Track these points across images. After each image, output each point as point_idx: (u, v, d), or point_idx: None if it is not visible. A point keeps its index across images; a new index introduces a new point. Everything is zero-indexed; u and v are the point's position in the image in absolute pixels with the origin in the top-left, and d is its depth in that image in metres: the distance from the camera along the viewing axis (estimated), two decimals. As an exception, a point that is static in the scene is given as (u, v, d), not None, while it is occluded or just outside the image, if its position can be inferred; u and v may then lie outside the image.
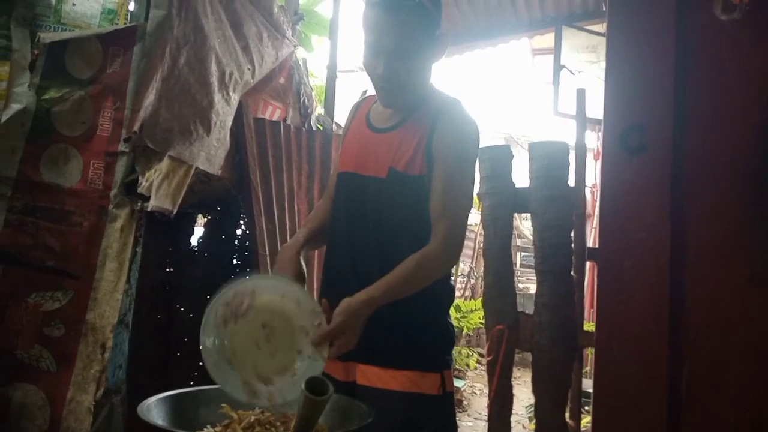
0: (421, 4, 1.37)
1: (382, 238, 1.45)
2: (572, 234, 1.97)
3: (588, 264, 2.46)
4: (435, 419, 1.40)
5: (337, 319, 1.26)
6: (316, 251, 2.82)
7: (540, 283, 1.98)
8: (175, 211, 2.30)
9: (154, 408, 1.19)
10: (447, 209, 1.41)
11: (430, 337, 1.44)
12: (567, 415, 1.94)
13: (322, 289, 1.60)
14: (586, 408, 3.12)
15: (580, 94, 2.16)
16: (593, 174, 5.27)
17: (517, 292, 2.12)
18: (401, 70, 1.40)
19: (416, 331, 1.43)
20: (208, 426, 1.23)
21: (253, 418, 1.23)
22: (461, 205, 1.45)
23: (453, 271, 1.72)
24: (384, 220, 1.45)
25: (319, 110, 3.50)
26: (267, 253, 2.72)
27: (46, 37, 2.14)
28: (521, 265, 10.43)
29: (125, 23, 2.32)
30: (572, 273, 1.96)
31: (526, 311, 2.04)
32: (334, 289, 1.46)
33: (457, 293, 8.66)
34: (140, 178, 2.05)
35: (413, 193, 1.43)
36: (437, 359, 1.45)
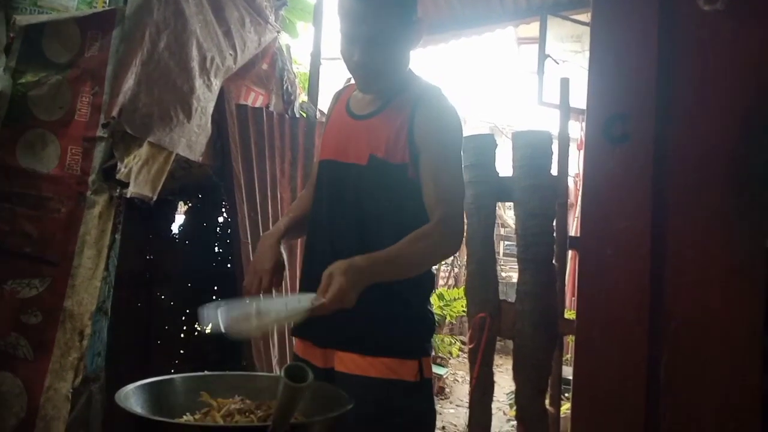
0: None
1: (363, 225, 1.44)
2: (554, 223, 1.97)
3: (570, 253, 2.47)
4: (412, 406, 1.41)
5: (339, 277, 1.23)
6: (299, 240, 2.81)
7: (522, 272, 1.98)
8: (155, 198, 2.27)
9: (132, 395, 1.18)
10: (440, 197, 1.41)
11: (409, 325, 1.44)
12: (547, 401, 1.96)
13: (302, 273, 1.59)
14: (566, 395, 3.15)
15: (564, 84, 2.16)
16: (576, 164, 5.30)
17: (499, 280, 2.12)
18: (377, 56, 1.40)
19: (396, 318, 1.43)
20: (188, 413, 1.23)
21: (232, 406, 1.22)
22: (454, 191, 1.45)
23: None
24: (365, 207, 1.45)
25: (302, 97, 3.47)
26: (249, 240, 2.70)
27: (23, 19, 2.09)
28: (504, 254, 10.48)
29: (104, 6, 2.28)
30: (554, 262, 1.96)
31: (508, 299, 2.04)
32: (312, 271, 1.45)
33: (441, 282, 8.69)
34: (119, 164, 2.02)
35: (395, 181, 1.43)
36: (416, 346, 1.45)
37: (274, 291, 1.51)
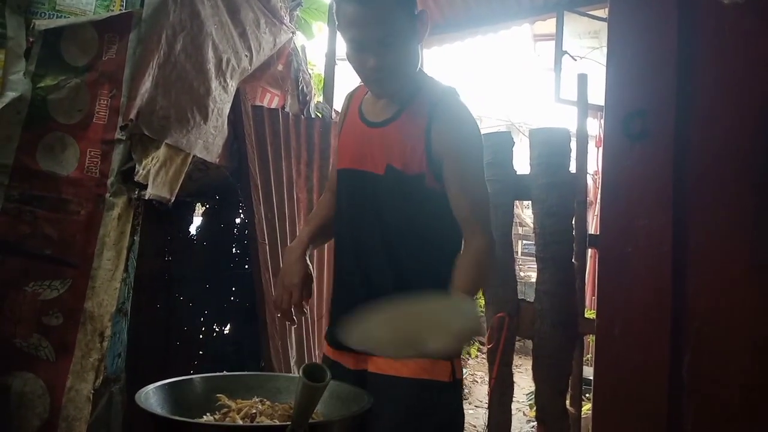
0: None
1: (386, 236, 1.44)
2: (573, 221, 1.95)
3: (589, 251, 2.44)
4: (446, 406, 1.40)
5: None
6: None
7: (541, 271, 1.96)
8: (173, 200, 2.28)
9: (152, 396, 1.18)
10: (474, 212, 1.42)
11: None
12: (567, 402, 1.94)
13: (333, 291, 1.60)
14: (587, 395, 3.12)
15: (582, 80, 2.14)
16: (595, 161, 5.25)
17: (518, 280, 2.11)
18: (390, 57, 1.38)
19: None
20: (207, 414, 1.23)
21: (252, 410, 1.22)
22: (484, 202, 1.45)
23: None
24: (386, 217, 1.44)
25: (318, 98, 3.47)
26: (266, 241, 2.71)
27: (41, 24, 2.11)
28: (522, 254, 10.41)
29: (121, 9, 2.29)
30: (573, 260, 1.94)
31: (527, 299, 2.03)
32: (343, 290, 1.50)
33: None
34: (137, 166, 2.03)
35: (413, 191, 1.42)
36: None
37: (304, 304, 1.53)
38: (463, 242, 1.44)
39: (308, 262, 1.54)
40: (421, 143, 1.40)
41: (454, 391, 1.42)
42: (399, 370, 1.39)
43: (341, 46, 3.71)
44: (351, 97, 1.62)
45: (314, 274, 1.57)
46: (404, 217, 1.43)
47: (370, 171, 1.46)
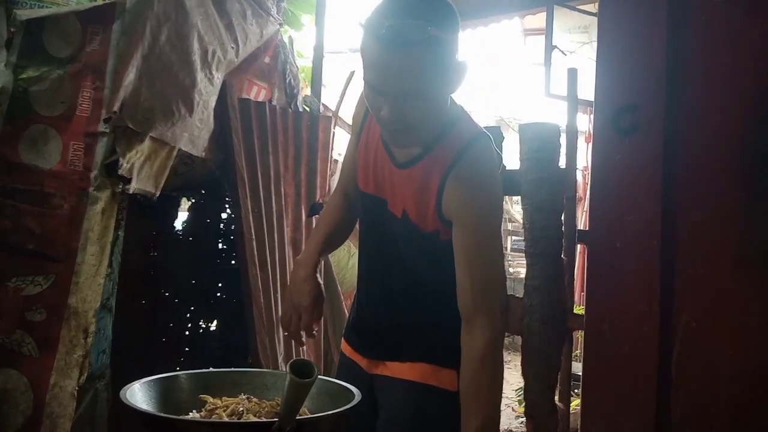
0: (436, 38, 1.13)
1: (408, 277, 1.41)
2: (563, 217, 1.95)
3: (578, 247, 2.44)
4: (448, 415, 1.35)
5: None
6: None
7: (530, 266, 1.96)
8: (158, 194, 2.26)
9: (137, 392, 1.16)
10: (477, 297, 1.28)
11: (447, 335, 1.39)
12: (557, 397, 1.94)
13: (358, 291, 1.57)
14: (576, 391, 3.13)
15: (572, 74, 2.13)
16: (584, 157, 5.26)
17: (507, 275, 2.10)
18: (411, 112, 1.19)
19: (436, 335, 1.41)
20: (194, 411, 1.21)
21: (241, 408, 1.21)
22: (492, 283, 1.31)
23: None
24: (407, 260, 1.39)
25: (306, 91, 3.45)
26: (253, 236, 2.69)
27: (23, 14, 2.07)
28: (512, 249, 10.45)
29: (104, 0, 2.26)
30: (563, 256, 1.94)
31: (517, 295, 2.02)
32: (370, 298, 1.48)
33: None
34: (121, 159, 2.00)
35: (428, 244, 1.35)
36: (454, 356, 1.39)
37: (314, 326, 1.47)
38: (462, 328, 1.31)
39: (319, 280, 1.46)
40: (432, 201, 1.29)
41: (458, 401, 1.37)
42: (406, 373, 1.39)
43: (330, 40, 3.70)
44: (367, 112, 1.40)
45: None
46: (421, 263, 1.39)
47: (390, 208, 1.38)
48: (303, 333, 1.47)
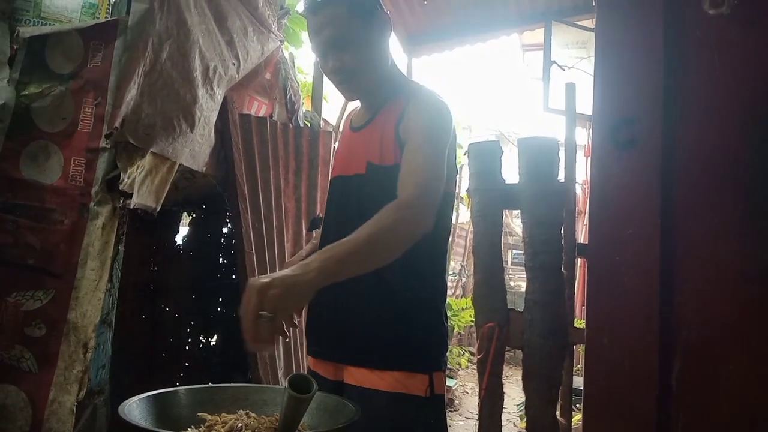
0: None
1: None
2: (562, 230, 1.95)
3: (578, 260, 2.44)
4: (421, 422, 1.36)
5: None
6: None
7: (530, 280, 1.95)
8: (158, 209, 2.26)
9: (136, 408, 1.15)
10: (409, 178, 1.30)
11: (418, 337, 1.41)
12: (558, 412, 1.92)
13: (306, 308, 1.56)
14: (577, 405, 3.11)
15: (570, 89, 2.14)
16: (584, 171, 5.28)
17: (508, 289, 2.09)
18: (347, 58, 1.42)
19: (405, 331, 1.39)
20: (192, 427, 1.20)
21: (239, 424, 1.20)
22: (426, 172, 1.32)
23: (447, 268, 1.68)
24: (366, 215, 1.39)
25: (306, 106, 3.46)
26: (254, 251, 2.69)
27: (26, 31, 2.09)
28: (512, 263, 10.44)
29: (106, 17, 2.28)
30: (563, 270, 1.94)
31: (517, 309, 2.01)
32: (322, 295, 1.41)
33: (449, 292, 8.65)
34: (122, 174, 2.01)
35: (392, 184, 1.34)
36: (426, 360, 1.41)
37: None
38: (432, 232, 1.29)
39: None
40: (392, 133, 1.43)
41: (432, 406, 1.38)
42: (374, 382, 1.37)
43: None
44: (349, 114, 1.70)
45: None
46: None
47: (355, 173, 1.48)
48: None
